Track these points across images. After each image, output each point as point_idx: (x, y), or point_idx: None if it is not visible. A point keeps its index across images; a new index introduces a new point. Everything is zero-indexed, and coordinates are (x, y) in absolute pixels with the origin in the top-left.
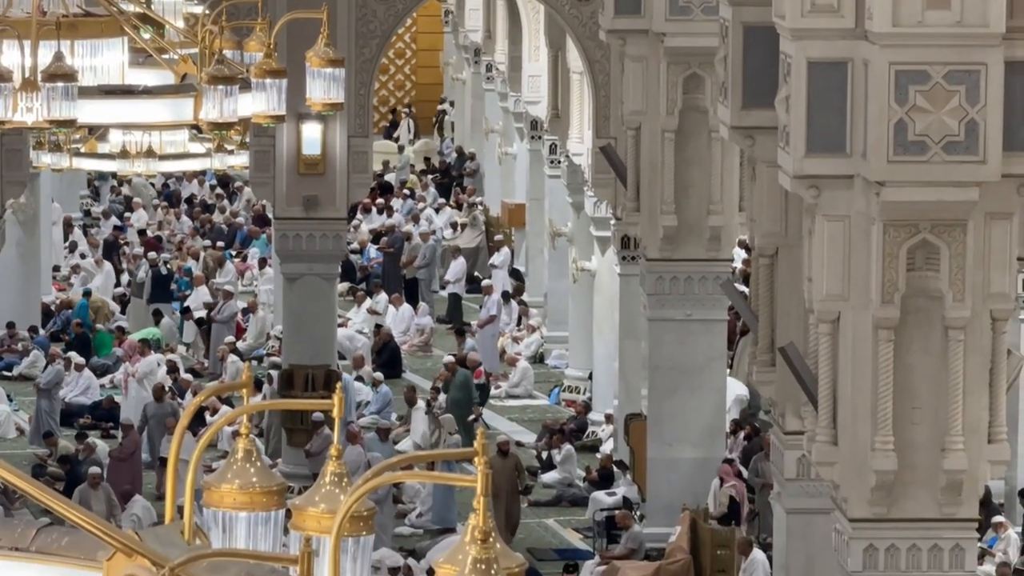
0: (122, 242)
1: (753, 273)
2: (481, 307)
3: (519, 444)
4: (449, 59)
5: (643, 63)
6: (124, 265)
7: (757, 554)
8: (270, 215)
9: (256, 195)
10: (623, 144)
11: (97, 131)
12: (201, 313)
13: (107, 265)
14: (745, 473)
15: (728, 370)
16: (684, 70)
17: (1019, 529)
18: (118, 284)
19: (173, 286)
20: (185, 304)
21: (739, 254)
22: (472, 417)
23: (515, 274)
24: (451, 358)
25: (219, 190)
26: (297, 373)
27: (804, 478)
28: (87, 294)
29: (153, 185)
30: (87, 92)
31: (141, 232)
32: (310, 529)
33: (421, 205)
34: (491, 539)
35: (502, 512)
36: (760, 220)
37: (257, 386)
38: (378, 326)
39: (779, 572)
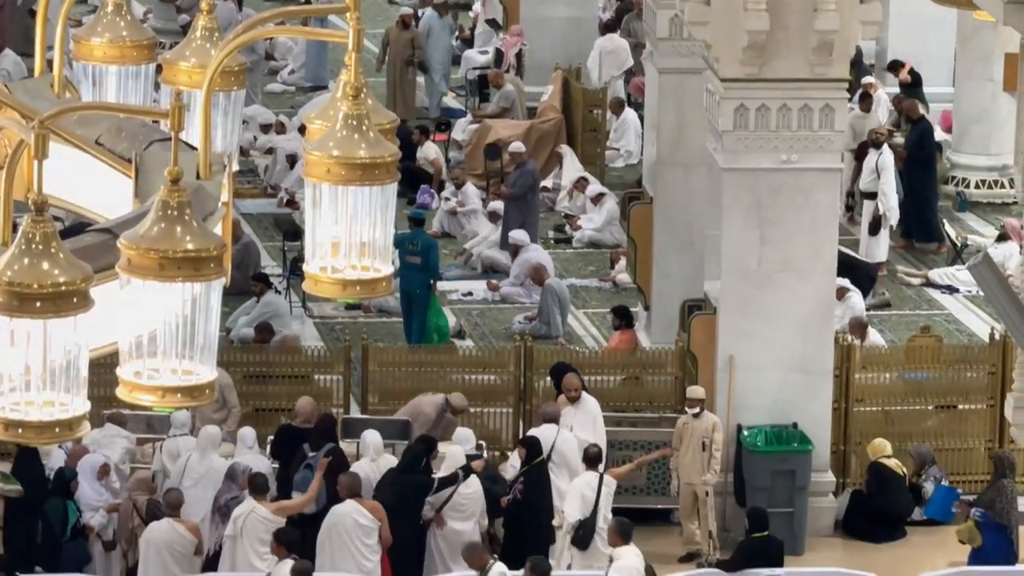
0: None
1: None
2: None
3: None
4: None
5: None
6: None
7: (629, 113)
8: None
9: None
10: None
11: None
12: None
13: None
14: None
15: None
16: None
17: (889, 91)
18: None
19: None
20: None
21: None
22: None
23: None
24: None
25: None
26: None
27: (676, 38)
28: None
29: None
30: None
31: None
32: (181, 84)
33: None
34: (363, 95)
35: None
36: None
37: None
38: None
39: (650, 131)
